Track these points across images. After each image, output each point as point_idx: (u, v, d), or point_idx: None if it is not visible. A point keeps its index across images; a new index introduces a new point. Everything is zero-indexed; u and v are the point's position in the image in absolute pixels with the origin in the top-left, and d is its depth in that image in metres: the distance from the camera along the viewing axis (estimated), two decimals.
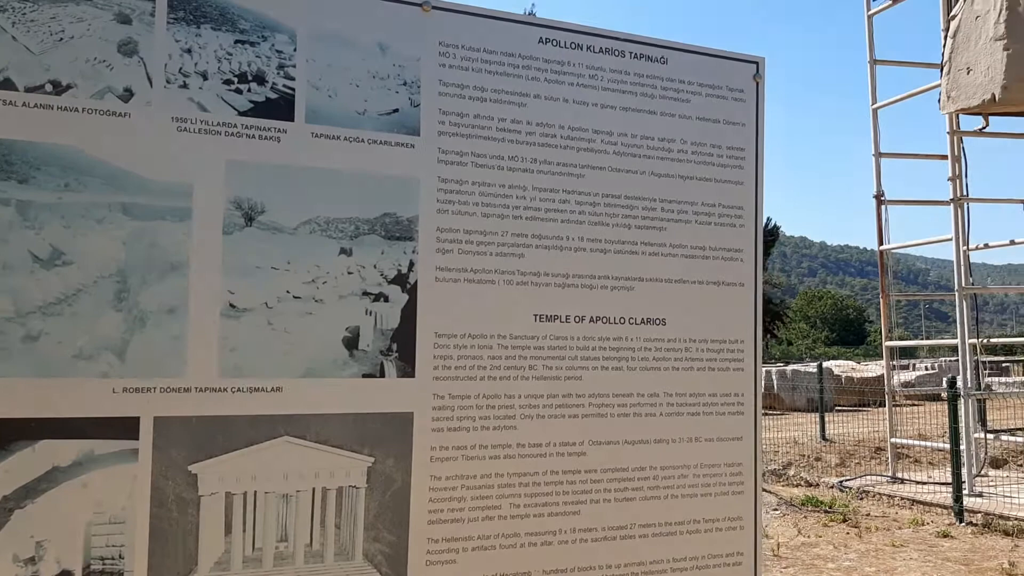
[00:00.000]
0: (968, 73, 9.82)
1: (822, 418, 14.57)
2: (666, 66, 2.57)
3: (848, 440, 13.67)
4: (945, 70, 10.12)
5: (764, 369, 22.16)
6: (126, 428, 2.03)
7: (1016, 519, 8.05)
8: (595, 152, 2.46)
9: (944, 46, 10.19)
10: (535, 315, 2.37)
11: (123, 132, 2.07)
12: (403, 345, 2.23)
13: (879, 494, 9.80)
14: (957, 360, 10.25)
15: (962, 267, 10.40)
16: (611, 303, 2.46)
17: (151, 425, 2.04)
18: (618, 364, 2.46)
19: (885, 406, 11.69)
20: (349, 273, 2.19)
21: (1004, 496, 9.31)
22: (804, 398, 19.35)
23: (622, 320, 2.47)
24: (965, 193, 10.46)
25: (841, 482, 10.60)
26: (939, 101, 10.26)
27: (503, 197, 2.35)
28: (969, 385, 10.26)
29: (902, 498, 9.49)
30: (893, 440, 11.19)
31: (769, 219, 47.57)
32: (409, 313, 2.24)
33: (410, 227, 2.25)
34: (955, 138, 10.40)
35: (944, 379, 9.41)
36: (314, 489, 2.16)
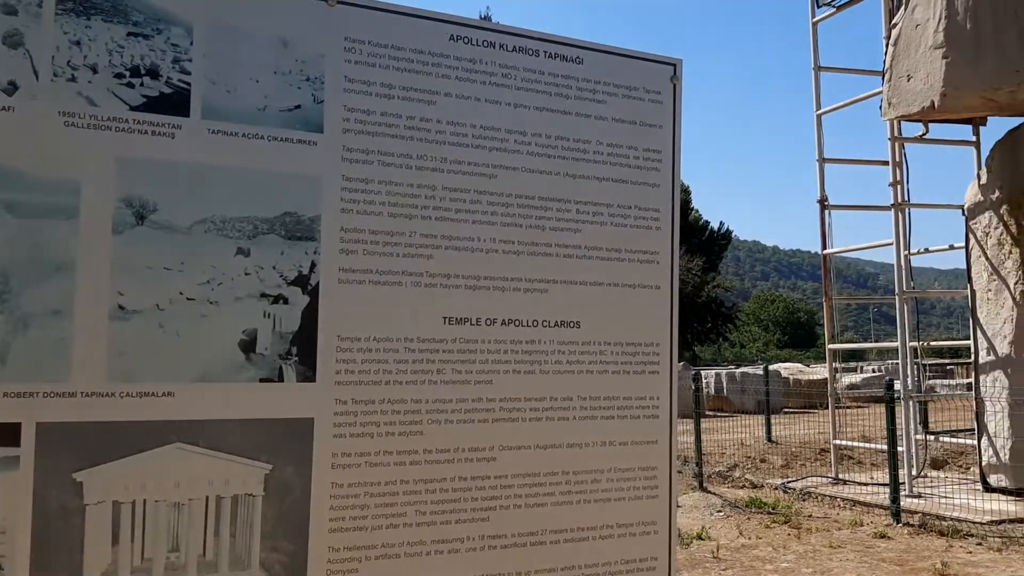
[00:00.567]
0: (908, 80, 9.98)
1: (768, 420, 14.73)
2: (582, 66, 2.54)
3: (793, 442, 13.82)
4: (886, 77, 10.28)
5: (714, 372, 22.36)
6: (7, 434, 1.94)
7: (952, 519, 8.18)
8: (508, 152, 2.42)
9: (886, 53, 10.35)
10: (444, 318, 2.33)
11: (7, 127, 1.98)
12: (303, 348, 2.17)
13: (821, 495, 9.91)
14: (906, 362, 10.42)
15: (903, 271, 10.56)
16: (524, 306, 2.42)
17: (33, 431, 1.96)
18: (531, 368, 2.42)
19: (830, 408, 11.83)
20: (246, 274, 2.12)
21: (942, 497, 9.47)
22: (753, 400, 19.55)
23: (535, 323, 2.44)
24: (906, 198, 10.63)
25: (785, 483, 10.70)
26: (881, 108, 10.41)
27: (411, 197, 2.30)
28: (910, 387, 10.42)
29: (843, 499, 9.60)
30: (836, 442, 11.33)
31: (722, 223, 48.08)
32: (310, 315, 2.18)
33: (312, 227, 2.19)
34: (896, 144, 10.56)
35: (884, 381, 9.54)
36: (208, 497, 2.09)
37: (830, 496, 9.81)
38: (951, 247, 10.75)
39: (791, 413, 18.40)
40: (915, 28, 9.93)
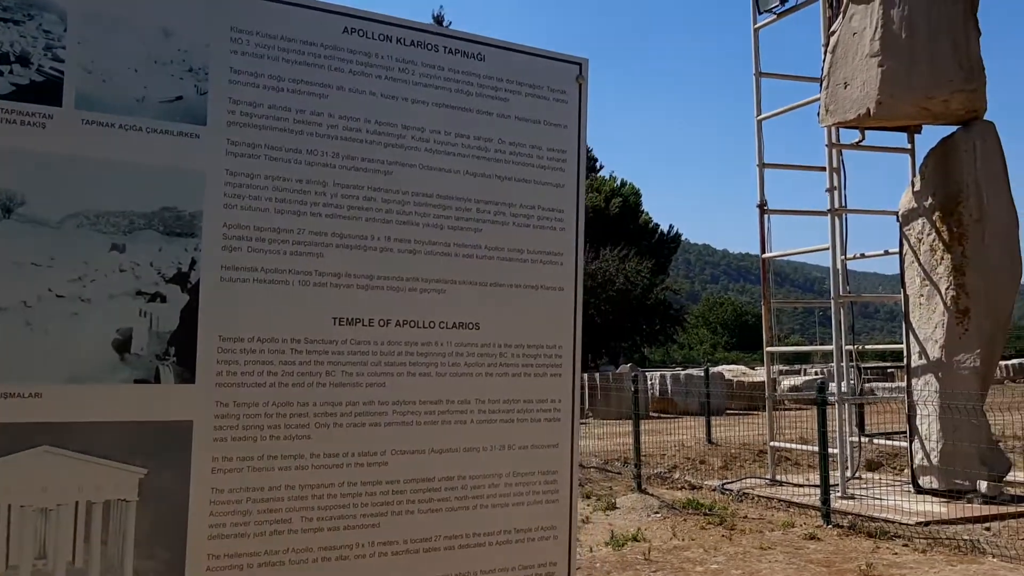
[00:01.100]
0: (846, 87, 10.13)
1: (708, 422, 14.84)
2: (484, 63, 2.49)
3: (734, 443, 13.94)
4: (824, 84, 10.41)
5: (659, 373, 22.51)
6: None
7: (881, 521, 8.30)
8: (405, 149, 2.36)
9: (824, 61, 10.48)
10: (335, 318, 2.26)
11: None
12: (182, 349, 2.08)
13: (758, 496, 9.99)
14: (842, 365, 10.55)
15: (839, 276, 10.70)
16: (420, 306, 2.37)
17: None
18: (426, 370, 2.37)
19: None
20: (121, 271, 2.04)
21: (873, 498, 9.61)
22: (696, 402, 19.70)
23: (432, 324, 2.38)
24: (843, 204, 10.77)
25: (723, 484, 10.77)
26: (819, 114, 10.54)
27: (300, 193, 2.23)
28: (845, 390, 10.56)
29: (778, 500, 9.70)
30: (773, 444, 11.44)
31: (672, 226, 48.50)
32: (190, 314, 2.10)
33: (193, 223, 2.11)
34: (833, 151, 10.69)
35: (817, 384, 9.65)
36: (77, 503, 2.00)
37: (766, 497, 9.90)
38: (886, 252, 10.92)
39: (733, 415, 18.58)
40: (852, 36, 10.07)
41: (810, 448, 11.55)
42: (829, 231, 10.50)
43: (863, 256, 11.35)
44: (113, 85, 2.06)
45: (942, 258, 9.83)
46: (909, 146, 10.89)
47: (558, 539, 2.54)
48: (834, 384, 10.81)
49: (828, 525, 8.20)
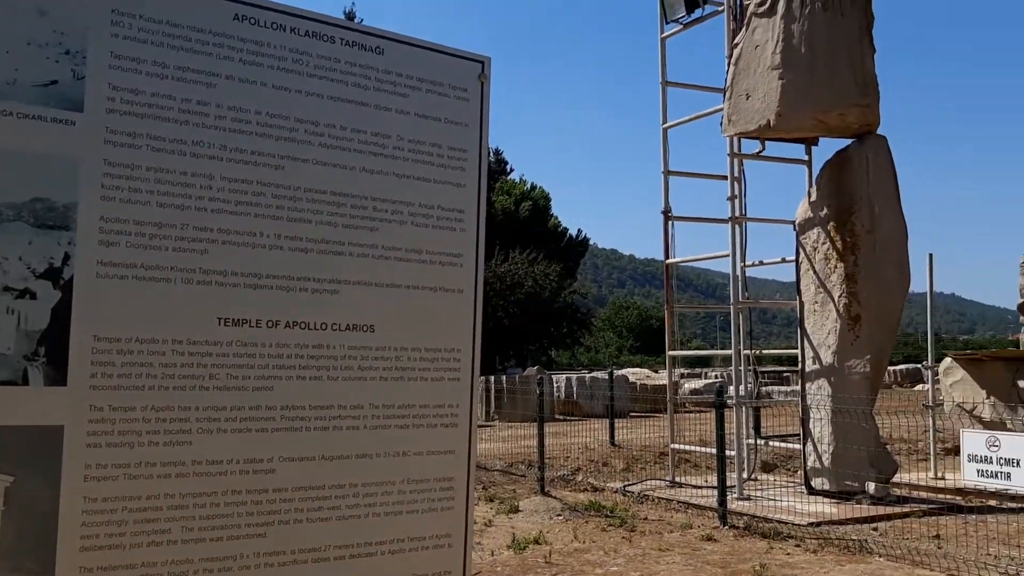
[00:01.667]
0: (747, 99, 10.37)
1: (612, 424, 15.01)
2: (382, 57, 2.42)
3: (636, 445, 14.13)
4: (727, 95, 10.64)
5: (565, 376, 22.68)
6: None
7: (775, 521, 8.51)
8: (297, 143, 2.28)
9: (727, 72, 10.72)
10: (220, 319, 2.16)
11: None
12: (53, 349, 1.95)
13: (658, 498, 10.14)
14: (741, 369, 10.80)
15: (739, 282, 10.96)
16: (312, 307, 2.28)
17: None
18: (317, 374, 2.28)
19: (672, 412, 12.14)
20: None
21: (768, 499, 9.86)
22: (601, 405, 19.91)
23: (324, 326, 2.30)
24: (743, 212, 11.03)
25: (625, 486, 10.90)
26: (722, 124, 10.78)
27: (185, 186, 2.12)
28: (743, 394, 10.82)
29: (678, 502, 9.86)
30: (674, 446, 11.64)
31: (580, 230, 49.03)
32: (62, 313, 1.97)
33: (67, 215, 1.98)
34: (735, 160, 10.95)
35: (716, 387, 9.85)
36: None
37: (665, 499, 10.05)
38: (783, 260, 11.22)
39: (637, 417, 18.84)
40: (755, 49, 10.33)
41: (709, 450, 11.79)
42: (730, 238, 10.73)
43: (762, 263, 11.65)
44: None
45: (836, 267, 10.16)
46: (806, 158, 11.23)
47: (453, 547, 2.49)
48: (732, 387, 11.06)
49: (725, 526, 8.37)
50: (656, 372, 30.76)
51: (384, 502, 2.38)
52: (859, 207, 10.03)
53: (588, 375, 23.85)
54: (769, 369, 23.76)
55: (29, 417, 1.93)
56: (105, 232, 2.01)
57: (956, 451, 12.12)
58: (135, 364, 2.04)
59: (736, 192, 10.84)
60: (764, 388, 17.54)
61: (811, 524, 8.42)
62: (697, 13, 11.50)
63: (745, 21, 10.51)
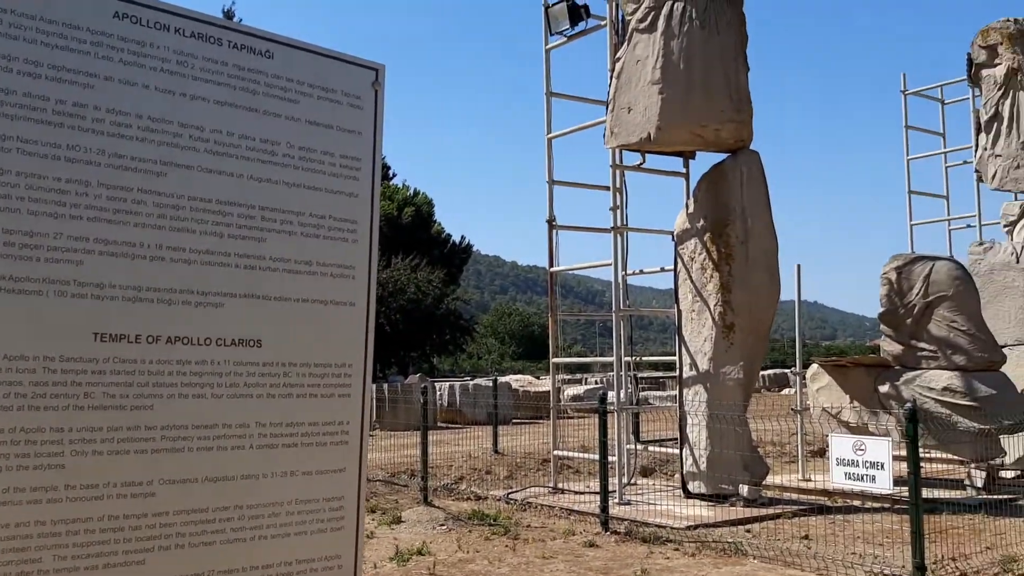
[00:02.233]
0: (629, 112, 10.60)
1: (495, 432, 15.04)
2: (272, 61, 2.34)
3: (519, 452, 14.20)
4: (610, 107, 10.85)
5: (448, 384, 22.61)
6: None
7: (654, 526, 8.70)
8: (181, 148, 2.17)
9: (610, 85, 10.92)
10: (96, 334, 2.03)
11: None
12: None
13: (541, 505, 10.20)
14: (621, 375, 10.99)
15: (620, 290, 11.18)
16: (195, 322, 2.18)
17: None
18: (200, 391, 2.18)
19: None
20: None
21: (647, 504, 10.07)
22: (484, 412, 19.94)
23: (207, 341, 2.20)
24: (625, 223, 11.26)
25: (508, 494, 10.92)
26: (604, 136, 10.97)
27: (59, 193, 1.99)
28: (623, 399, 11.03)
29: (560, 508, 9.94)
30: (556, 452, 11.75)
31: (464, 237, 49.05)
32: None
33: None
34: (617, 171, 11.16)
35: (599, 394, 10.01)
36: None
37: (548, 506, 10.12)
38: (662, 269, 11.51)
39: (520, 424, 18.96)
40: (636, 64, 10.57)
41: (591, 456, 11.96)
42: (612, 248, 10.93)
43: (642, 272, 11.92)
44: None
45: (711, 276, 10.49)
46: (684, 170, 11.55)
47: (343, 568, 2.42)
48: (613, 393, 11.26)
49: (606, 532, 8.49)
50: (539, 379, 31.05)
51: (271, 524, 2.29)
52: (734, 219, 10.38)
53: (471, 382, 23.85)
54: (647, 375, 24.35)
55: None
56: None
57: (822, 453, 12.70)
58: (3, 383, 1.90)
59: (618, 203, 11.05)
60: (643, 394, 17.93)
61: (689, 527, 8.64)
62: (581, 26, 11.67)
63: (627, 36, 10.74)
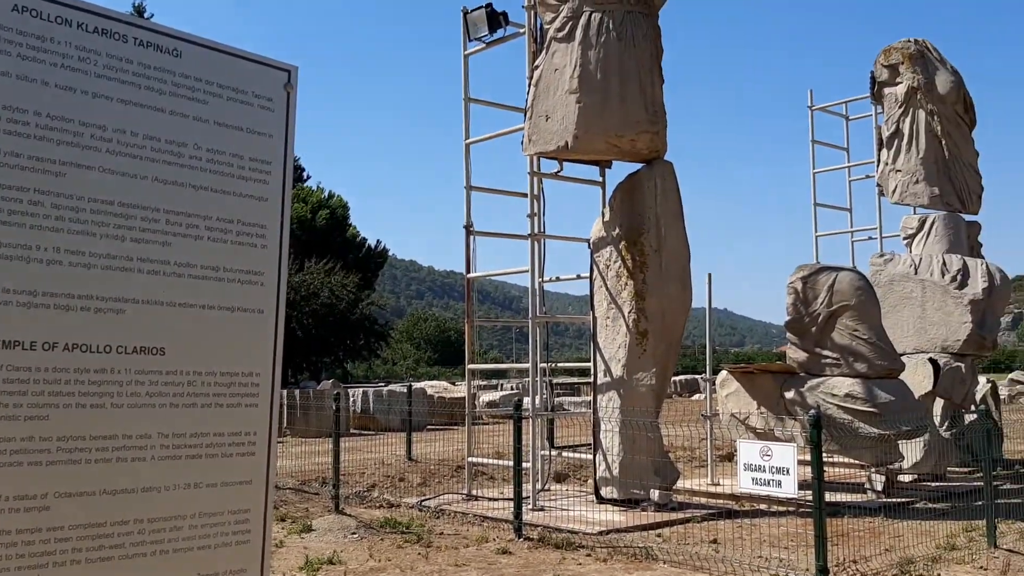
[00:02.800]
0: (547, 120, 10.67)
1: (409, 438, 14.95)
2: (180, 60, 2.27)
3: (433, 459, 14.14)
4: (528, 115, 10.91)
5: (362, 390, 22.37)
6: None
7: (567, 532, 8.75)
8: (82, 148, 2.08)
9: (528, 93, 10.99)
10: None
11: None
12: None
13: (454, 512, 10.17)
14: (536, 381, 11.04)
15: (537, 297, 11.23)
16: (94, 328, 2.09)
17: None
18: (99, 401, 2.09)
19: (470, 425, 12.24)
20: None
21: (560, 509, 10.13)
22: (398, 419, 19.79)
23: (108, 349, 2.11)
24: (542, 230, 11.33)
25: (421, 501, 10.85)
26: (523, 143, 11.03)
27: None
28: (538, 405, 11.08)
29: (474, 515, 9.93)
30: (470, 459, 11.74)
31: (380, 241, 48.63)
32: None
33: None
34: (535, 179, 11.23)
35: (514, 401, 10.03)
36: None
37: (462, 513, 10.10)
38: (578, 276, 11.62)
39: (435, 430, 18.87)
40: (554, 72, 10.65)
41: (505, 463, 11.98)
42: (529, 254, 10.99)
43: (559, 279, 12.01)
44: None
45: (626, 284, 10.64)
46: (601, 179, 11.70)
47: None
48: (528, 399, 11.31)
49: (520, 538, 8.51)
50: (454, 384, 30.97)
51: (173, 538, 2.21)
52: (648, 228, 10.55)
53: (385, 388, 23.64)
54: (562, 381, 24.52)
55: None
56: None
57: (730, 458, 13.00)
58: None
59: (536, 210, 11.12)
60: (558, 400, 18.05)
61: (600, 533, 8.72)
62: (499, 33, 11.71)
63: (546, 45, 10.83)
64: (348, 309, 37.13)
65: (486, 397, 25.12)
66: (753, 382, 11.88)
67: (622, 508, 9.94)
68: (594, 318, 10.91)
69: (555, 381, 14.28)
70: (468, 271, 12.02)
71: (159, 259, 2.20)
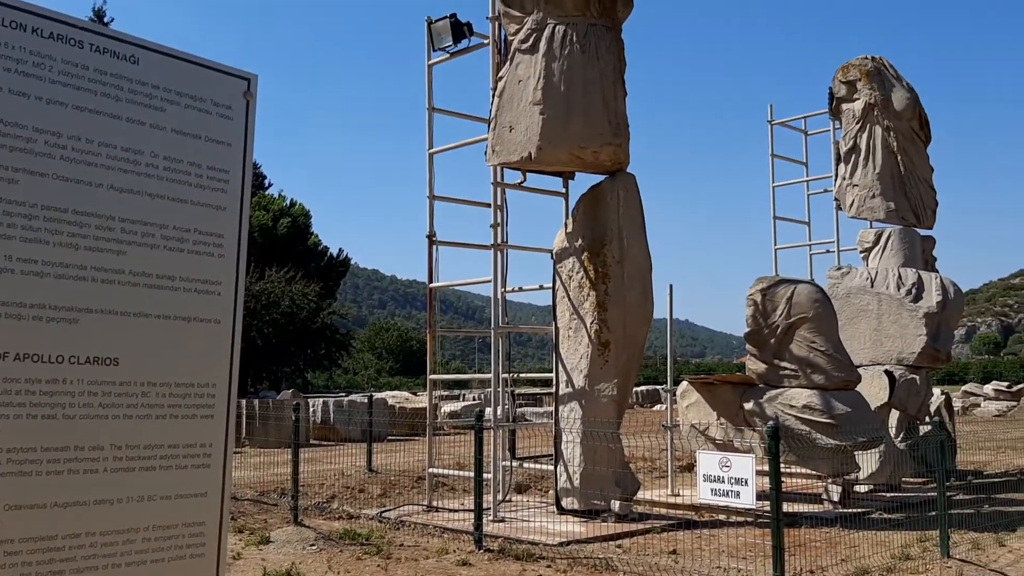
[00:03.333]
0: (511, 131, 10.70)
1: (369, 449, 14.84)
2: (137, 67, 2.24)
3: (394, 470, 14.05)
4: (492, 126, 10.92)
5: (322, 400, 22.18)
6: None
7: (527, 543, 8.74)
8: (36, 155, 2.05)
9: (492, 103, 11.01)
10: None
11: None
12: None
13: (414, 524, 10.11)
14: (499, 391, 11.03)
15: (499, 307, 11.23)
16: (46, 338, 2.05)
17: None
18: (51, 412, 2.06)
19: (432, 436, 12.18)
20: None
21: (521, 520, 10.12)
22: (359, 429, 19.65)
23: (60, 359, 2.07)
24: (505, 240, 11.34)
25: (381, 513, 10.77)
26: (486, 153, 11.04)
27: None
28: (500, 416, 11.07)
29: (435, 527, 9.88)
30: (431, 470, 11.68)
31: (342, 250, 48.34)
32: None
33: None
34: (498, 189, 11.25)
35: (476, 411, 10.01)
36: None
37: (422, 524, 10.04)
38: (541, 287, 11.64)
39: (395, 441, 18.77)
40: (518, 83, 10.68)
41: (466, 474, 11.95)
42: (492, 265, 10.99)
43: (521, 289, 12.02)
44: None
45: (588, 295, 10.68)
46: (564, 190, 11.74)
47: None
48: (490, 410, 11.29)
49: (480, 550, 8.48)
50: (416, 395, 30.84)
51: (126, 551, 2.18)
52: (610, 239, 10.60)
53: (346, 398, 23.46)
54: (524, 391, 24.52)
55: None
56: None
57: (691, 468, 13.08)
58: None
59: (499, 220, 11.13)
60: (520, 410, 18.05)
61: (561, 544, 8.72)
62: (464, 44, 11.72)
63: (510, 56, 10.86)
64: (309, 318, 36.83)
65: (448, 407, 25.04)
66: (713, 393, 11.97)
67: (583, 519, 9.95)
68: (556, 329, 10.93)
69: (517, 392, 14.28)
70: (431, 281, 11.99)
71: (114, 268, 2.17)
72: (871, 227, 14.99)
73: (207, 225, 2.35)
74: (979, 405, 32.48)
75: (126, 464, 2.18)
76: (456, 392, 35.40)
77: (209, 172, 2.36)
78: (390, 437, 19.49)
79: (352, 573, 7.54)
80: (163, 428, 2.25)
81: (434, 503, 11.37)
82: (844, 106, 15.11)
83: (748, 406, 11.27)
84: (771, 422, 7.07)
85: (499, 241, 11.17)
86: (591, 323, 10.57)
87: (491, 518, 9.93)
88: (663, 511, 10.97)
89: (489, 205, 11.33)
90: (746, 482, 6.49)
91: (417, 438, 18.25)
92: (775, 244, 17.09)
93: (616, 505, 10.09)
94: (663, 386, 14.10)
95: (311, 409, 20.78)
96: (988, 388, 35.18)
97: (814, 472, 11.67)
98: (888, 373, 12.73)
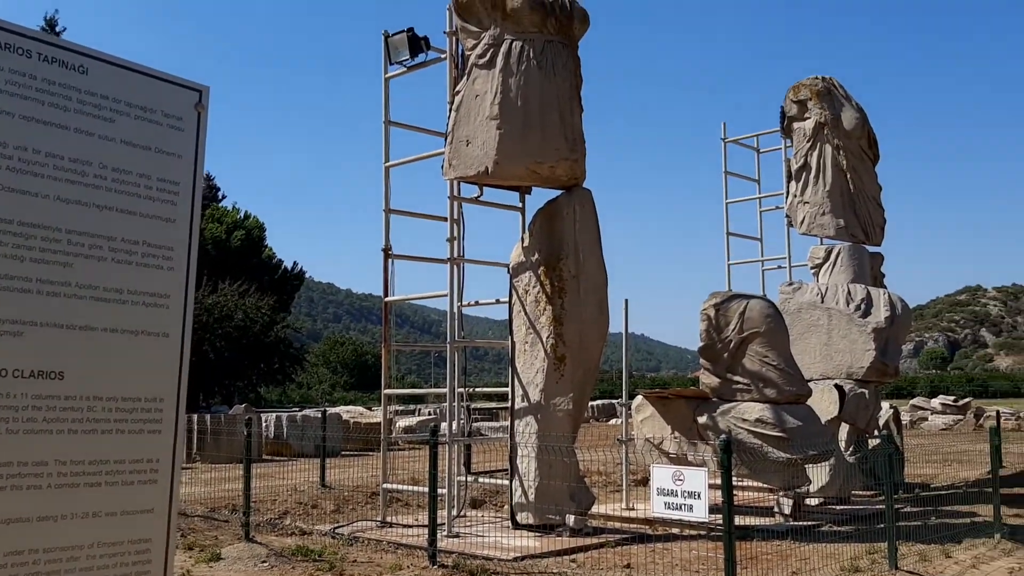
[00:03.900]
0: (468, 145, 10.72)
1: (323, 464, 14.69)
2: (87, 77, 2.21)
3: (348, 485, 13.92)
4: (448, 139, 10.94)
5: (275, 415, 21.92)
6: None
7: (482, 558, 8.71)
8: None
9: (449, 117, 11.02)
10: None
11: None
12: None
13: (368, 540, 10.02)
14: (455, 406, 11.00)
15: (455, 321, 11.22)
16: None
17: None
18: None
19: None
20: None
21: (476, 535, 10.07)
22: (312, 444, 19.45)
23: (3, 372, 2.03)
24: (461, 254, 11.34)
25: (334, 529, 10.66)
26: (443, 167, 11.05)
27: None
28: (455, 431, 11.03)
29: (388, 543, 9.80)
30: (385, 485, 11.60)
31: (296, 263, 47.94)
32: None
33: None
34: (455, 203, 11.25)
35: (430, 426, 9.97)
36: None
37: (376, 540, 9.95)
38: (498, 301, 11.64)
39: (349, 455, 18.60)
40: (475, 98, 10.72)
41: (420, 489, 11.87)
42: (448, 278, 10.98)
43: (478, 303, 12.01)
44: None
45: (545, 309, 10.71)
46: (520, 205, 11.78)
47: None
48: (446, 424, 11.25)
49: (434, 566, 8.43)
50: (371, 410, 30.63)
51: (70, 569, 2.13)
52: (567, 254, 10.66)
53: (299, 413, 23.21)
54: (480, 406, 24.49)
55: None
56: None
57: (645, 482, 13.14)
58: None
59: (455, 234, 11.12)
60: (476, 424, 18.01)
61: (516, 559, 8.70)
62: (421, 57, 11.73)
63: (467, 70, 10.89)
64: (263, 332, 36.44)
65: (403, 423, 24.89)
66: (668, 407, 12.07)
67: (538, 534, 9.94)
68: (513, 343, 10.94)
69: (473, 406, 14.26)
70: (386, 295, 11.94)
71: (60, 280, 2.13)
72: (821, 243, 15.25)
73: (156, 237, 2.32)
74: (926, 419, 33.12)
75: (71, 480, 2.14)
76: (411, 407, 35.21)
77: (159, 184, 2.34)
78: (344, 452, 19.30)
79: None
80: (109, 443, 2.21)
81: (388, 519, 11.28)
82: (795, 125, 15.39)
83: (702, 420, 11.38)
84: (724, 436, 7.14)
85: (455, 255, 11.17)
86: (547, 337, 10.60)
87: (445, 533, 9.88)
88: (618, 525, 11.00)
89: (445, 219, 11.33)
90: (699, 495, 6.54)
91: (371, 453, 18.08)
92: (728, 260, 17.31)
93: (571, 519, 10.09)
94: (618, 400, 14.18)
95: (264, 424, 20.52)
96: (935, 402, 35.90)
97: (766, 485, 11.80)
98: (838, 387, 12.94)
